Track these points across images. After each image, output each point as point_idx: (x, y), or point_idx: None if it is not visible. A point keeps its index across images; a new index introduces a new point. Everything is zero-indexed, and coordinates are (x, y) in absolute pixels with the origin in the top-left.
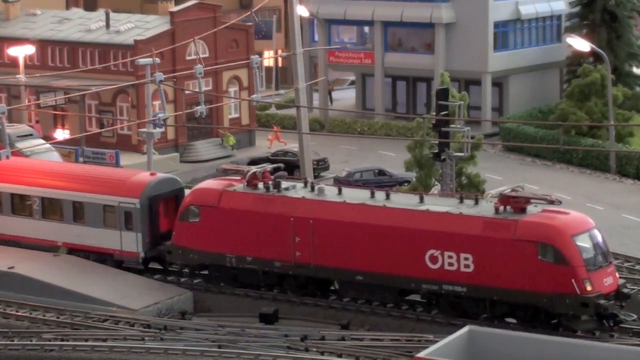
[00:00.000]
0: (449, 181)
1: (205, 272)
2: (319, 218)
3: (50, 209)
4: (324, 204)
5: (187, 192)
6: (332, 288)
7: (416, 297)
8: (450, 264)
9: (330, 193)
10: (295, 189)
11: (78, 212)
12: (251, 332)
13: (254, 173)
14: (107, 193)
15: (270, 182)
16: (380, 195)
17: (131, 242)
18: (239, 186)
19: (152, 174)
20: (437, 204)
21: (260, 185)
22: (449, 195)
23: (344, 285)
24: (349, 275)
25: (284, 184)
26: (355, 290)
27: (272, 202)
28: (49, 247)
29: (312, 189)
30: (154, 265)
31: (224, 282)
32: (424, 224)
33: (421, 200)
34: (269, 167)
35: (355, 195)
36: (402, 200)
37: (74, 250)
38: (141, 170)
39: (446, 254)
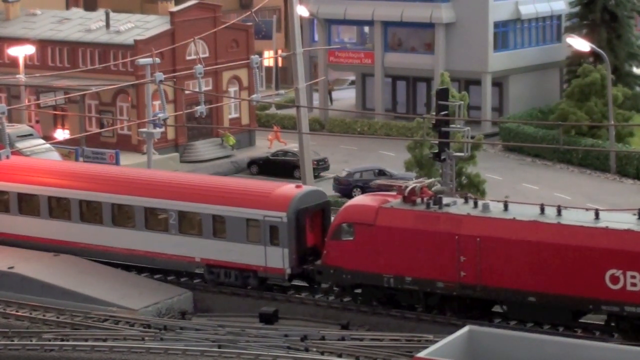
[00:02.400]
0: (449, 181)
1: (358, 291)
2: (487, 236)
3: (188, 223)
4: (491, 221)
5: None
6: (499, 310)
7: (590, 318)
8: (634, 284)
9: (496, 209)
10: (457, 205)
11: (218, 227)
12: (251, 332)
13: (413, 188)
14: (250, 206)
15: (430, 198)
16: (551, 211)
17: (277, 258)
18: (396, 202)
19: (297, 186)
20: (615, 220)
21: (419, 201)
22: (624, 211)
23: (513, 307)
24: (520, 296)
25: (445, 200)
26: (525, 311)
27: (435, 220)
28: (186, 264)
29: (476, 205)
30: (298, 282)
31: (379, 303)
32: (604, 242)
33: (597, 216)
34: (426, 181)
35: (523, 212)
36: (576, 216)
37: (214, 266)
38: (285, 182)
39: (629, 273)
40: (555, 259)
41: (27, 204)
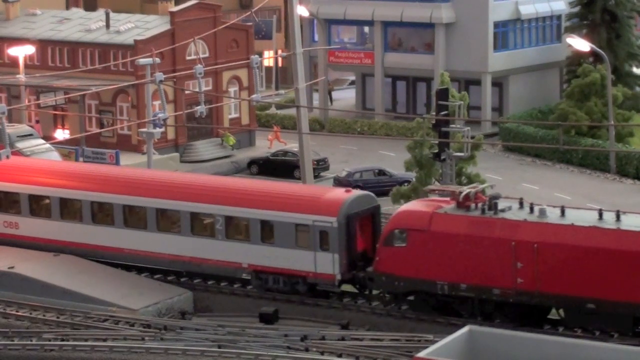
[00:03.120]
0: (449, 181)
1: (411, 298)
2: (545, 242)
3: (235, 228)
4: (549, 227)
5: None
6: (555, 317)
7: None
8: None
9: (553, 215)
10: (513, 211)
11: (266, 232)
12: (251, 332)
13: (467, 194)
14: (299, 211)
15: (485, 203)
16: (609, 216)
17: (327, 264)
18: (450, 207)
19: (347, 191)
20: None
21: (473, 206)
22: None
23: (571, 314)
24: (579, 303)
25: (500, 205)
26: (584, 318)
27: (491, 225)
28: (233, 270)
29: (532, 210)
30: (347, 288)
31: (433, 310)
32: None
33: None
34: (480, 187)
35: (582, 217)
36: (636, 221)
37: (261, 272)
38: (333, 187)
39: None
40: (615, 265)
41: (68, 209)
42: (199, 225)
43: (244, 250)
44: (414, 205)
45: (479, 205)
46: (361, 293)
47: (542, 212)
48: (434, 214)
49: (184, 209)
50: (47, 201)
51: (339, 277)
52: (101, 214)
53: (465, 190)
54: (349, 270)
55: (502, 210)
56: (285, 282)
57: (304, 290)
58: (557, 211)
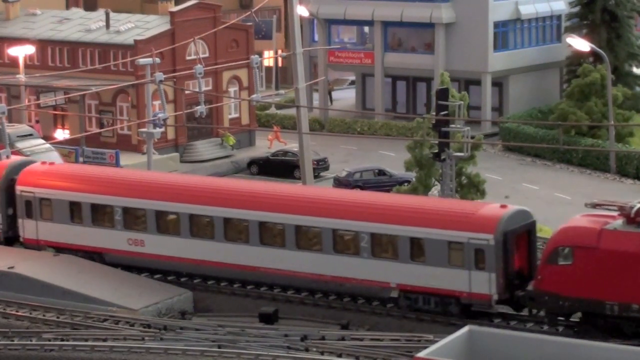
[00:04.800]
0: (449, 181)
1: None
2: None
3: (382, 246)
4: None
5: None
6: None
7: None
8: None
9: None
10: None
11: (416, 250)
12: (251, 332)
13: (639, 209)
14: (452, 228)
15: None
16: None
17: (482, 283)
18: (618, 224)
19: (502, 206)
20: None
21: None
22: None
23: None
24: None
25: None
26: None
27: None
28: (379, 289)
29: None
30: (503, 308)
31: (601, 332)
32: None
33: None
34: None
35: None
36: None
37: (410, 292)
38: (487, 202)
39: None
40: None
41: (199, 226)
42: (342, 243)
43: (392, 269)
44: (578, 221)
45: None
46: (518, 313)
47: None
48: (603, 230)
49: (326, 226)
50: (175, 217)
51: (495, 297)
52: (234, 231)
53: (637, 205)
54: (506, 290)
55: None
56: (437, 303)
57: (456, 312)
58: None
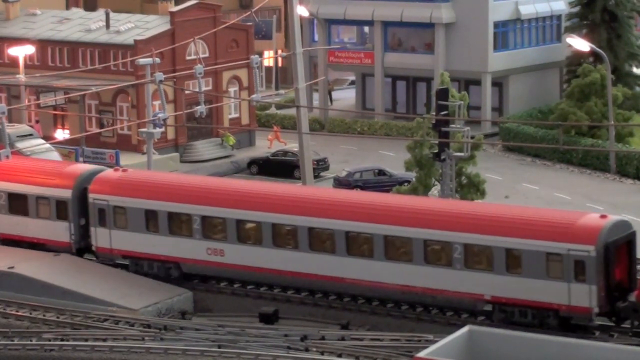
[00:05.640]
0: (449, 181)
1: None
2: None
3: (476, 257)
4: None
5: None
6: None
7: None
8: None
9: None
10: None
11: (512, 261)
12: (251, 332)
13: None
14: (550, 239)
15: None
16: None
17: (582, 296)
18: None
19: (602, 216)
20: None
21: None
22: None
23: None
24: None
25: None
26: None
27: None
28: (472, 302)
29: None
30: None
31: None
32: None
33: None
34: None
35: None
36: None
37: (506, 304)
38: (585, 212)
39: None
40: None
41: (281, 236)
42: (433, 253)
43: (486, 280)
44: None
45: None
46: (618, 326)
47: None
48: None
49: (417, 236)
50: (257, 226)
51: (596, 310)
52: (319, 241)
53: None
54: (607, 303)
55: None
56: (534, 316)
57: (554, 325)
58: None
